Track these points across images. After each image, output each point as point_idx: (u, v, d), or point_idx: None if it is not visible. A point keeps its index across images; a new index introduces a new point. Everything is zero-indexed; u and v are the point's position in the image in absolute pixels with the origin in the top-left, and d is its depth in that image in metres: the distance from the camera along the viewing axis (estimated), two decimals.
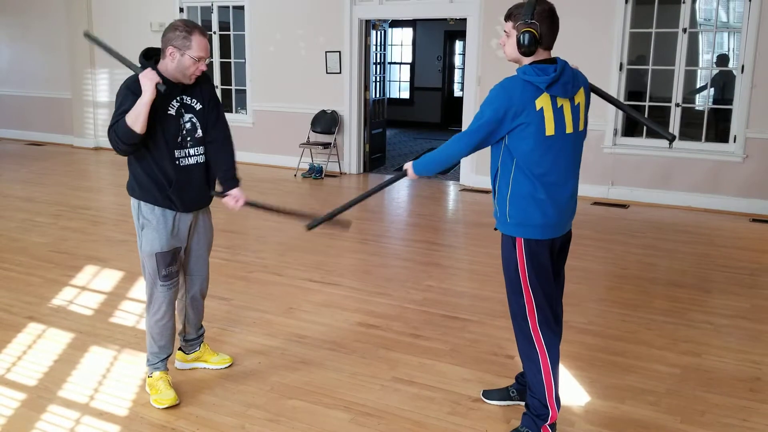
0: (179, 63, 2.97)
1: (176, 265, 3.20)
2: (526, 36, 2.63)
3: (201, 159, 3.16)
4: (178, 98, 3.05)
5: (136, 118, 2.85)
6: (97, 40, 3.42)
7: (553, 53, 2.78)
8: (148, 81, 2.85)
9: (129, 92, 2.92)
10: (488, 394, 3.29)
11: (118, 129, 2.88)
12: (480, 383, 3.44)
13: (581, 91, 2.79)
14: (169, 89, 2.94)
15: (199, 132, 3.14)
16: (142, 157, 3.04)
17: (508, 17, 2.74)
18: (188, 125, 3.09)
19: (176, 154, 3.06)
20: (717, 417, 3.17)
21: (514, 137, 2.69)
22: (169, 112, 3.02)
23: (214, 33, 10.14)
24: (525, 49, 2.66)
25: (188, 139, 3.10)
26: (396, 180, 3.10)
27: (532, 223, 2.76)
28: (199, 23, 10.08)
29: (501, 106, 2.65)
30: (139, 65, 3.02)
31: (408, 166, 2.97)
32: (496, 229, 2.91)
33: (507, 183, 2.77)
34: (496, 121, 2.67)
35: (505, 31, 2.76)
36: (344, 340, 3.98)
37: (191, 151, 3.11)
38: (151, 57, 3.05)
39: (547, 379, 2.84)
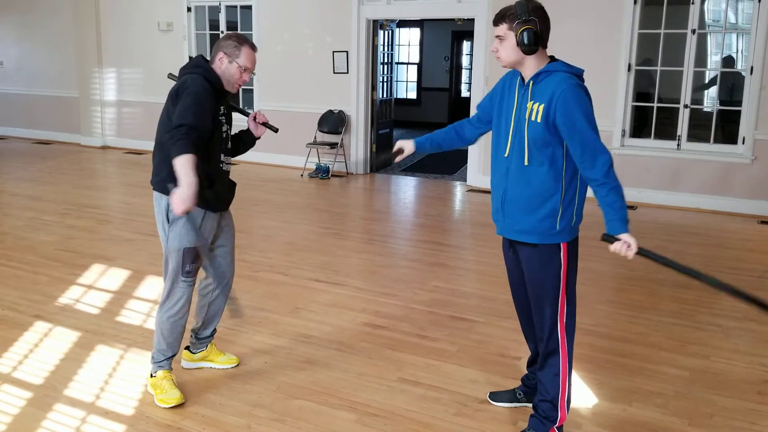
0: (226, 69, 3.11)
1: (199, 263, 3.24)
2: (527, 33, 2.56)
3: (228, 167, 3.30)
4: (222, 108, 3.18)
5: (177, 171, 2.78)
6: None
7: (562, 55, 2.75)
8: (183, 202, 2.76)
9: (208, 91, 3.00)
10: (495, 395, 3.27)
11: (179, 144, 2.78)
12: (487, 384, 3.43)
13: None
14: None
15: (229, 143, 3.31)
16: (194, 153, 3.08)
17: (500, 20, 2.65)
18: (224, 135, 3.24)
19: (221, 157, 3.19)
20: (725, 420, 3.15)
21: None
22: (219, 117, 3.16)
23: (222, 32, 10.15)
24: (527, 48, 2.59)
25: (225, 146, 3.25)
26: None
27: (576, 224, 2.75)
28: (207, 22, 10.18)
29: (592, 108, 2.61)
30: (183, 74, 3.11)
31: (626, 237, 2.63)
32: (532, 243, 2.74)
33: (574, 191, 2.68)
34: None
35: (498, 36, 2.67)
36: (350, 340, 3.97)
37: (227, 159, 3.26)
38: (200, 65, 3.12)
39: (564, 381, 2.83)
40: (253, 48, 3.17)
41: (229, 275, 3.49)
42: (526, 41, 2.58)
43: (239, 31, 10.13)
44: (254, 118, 3.43)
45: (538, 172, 2.67)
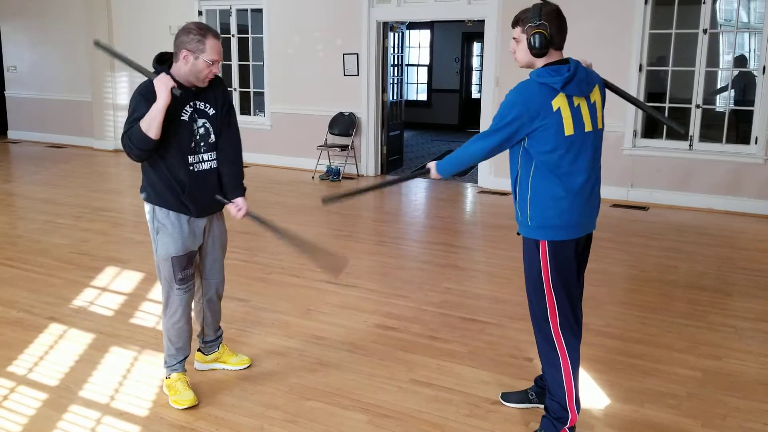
0: (193, 66, 2.96)
1: (192, 269, 3.21)
2: (537, 37, 2.65)
3: (214, 164, 3.17)
4: (191, 103, 3.04)
5: (151, 124, 2.84)
6: (109, 48, 3.43)
7: (573, 54, 2.77)
8: (163, 86, 2.84)
9: (142, 98, 2.92)
10: (507, 396, 3.28)
11: (132, 135, 2.87)
12: (498, 386, 3.43)
13: (596, 89, 2.79)
14: (183, 93, 2.94)
15: (213, 137, 3.14)
16: (156, 162, 3.04)
17: (516, 23, 2.76)
18: (201, 130, 3.09)
19: (190, 159, 3.06)
20: (738, 421, 3.14)
21: (534, 139, 2.68)
22: (182, 118, 3.01)
23: (233, 36, 10.20)
24: (537, 51, 2.67)
25: (201, 144, 3.10)
26: (416, 176, 3.09)
27: (554, 224, 2.74)
28: (218, 26, 10.21)
29: (518, 109, 2.65)
30: (153, 71, 3.02)
31: (431, 165, 2.98)
32: (518, 233, 2.90)
33: (527, 186, 2.76)
34: (514, 125, 2.67)
35: (514, 37, 2.78)
36: (362, 341, 3.98)
37: (204, 157, 3.12)
38: (165, 61, 3.05)
39: (568, 381, 2.83)
40: (217, 37, 2.99)
41: (216, 283, 3.41)
42: (536, 45, 2.66)
43: (249, 34, 10.18)
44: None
45: (511, 165, 2.87)
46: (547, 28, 2.64)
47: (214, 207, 3.25)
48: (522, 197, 2.79)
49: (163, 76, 2.89)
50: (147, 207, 3.17)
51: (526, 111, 2.64)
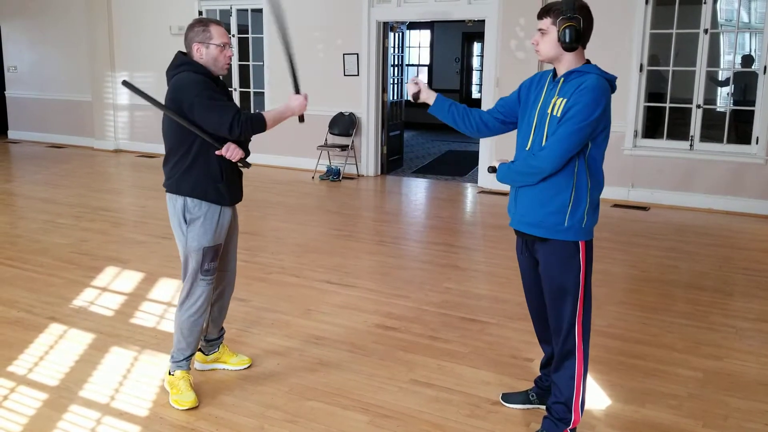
0: (208, 55, 3.11)
1: (217, 261, 3.26)
2: (568, 31, 2.58)
3: None
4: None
5: (275, 122, 3.21)
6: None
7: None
8: (300, 104, 3.37)
9: (207, 86, 3.05)
10: (508, 397, 3.27)
11: (256, 122, 3.10)
12: (499, 386, 3.43)
13: None
14: (304, 120, 3.45)
15: None
16: (197, 153, 3.12)
17: (545, 14, 2.66)
18: None
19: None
20: (739, 421, 3.13)
21: (600, 138, 2.63)
22: None
23: (233, 36, 10.19)
24: (567, 45, 2.60)
25: None
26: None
27: (588, 224, 2.72)
28: None
29: (603, 107, 2.55)
30: (181, 70, 3.11)
31: (496, 165, 2.84)
32: (542, 238, 2.75)
33: (585, 189, 2.65)
34: (593, 125, 2.55)
35: (540, 29, 2.69)
36: (362, 341, 3.98)
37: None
38: (184, 62, 3.14)
39: (578, 384, 2.81)
40: (219, 23, 3.19)
41: (230, 275, 3.48)
42: (567, 38, 2.59)
43: (249, 34, 10.19)
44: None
45: (563, 177, 2.67)
46: (580, 22, 2.58)
47: (240, 196, 3.35)
48: (579, 201, 2.66)
49: (299, 97, 3.38)
50: (175, 201, 3.18)
51: (608, 109, 2.59)
